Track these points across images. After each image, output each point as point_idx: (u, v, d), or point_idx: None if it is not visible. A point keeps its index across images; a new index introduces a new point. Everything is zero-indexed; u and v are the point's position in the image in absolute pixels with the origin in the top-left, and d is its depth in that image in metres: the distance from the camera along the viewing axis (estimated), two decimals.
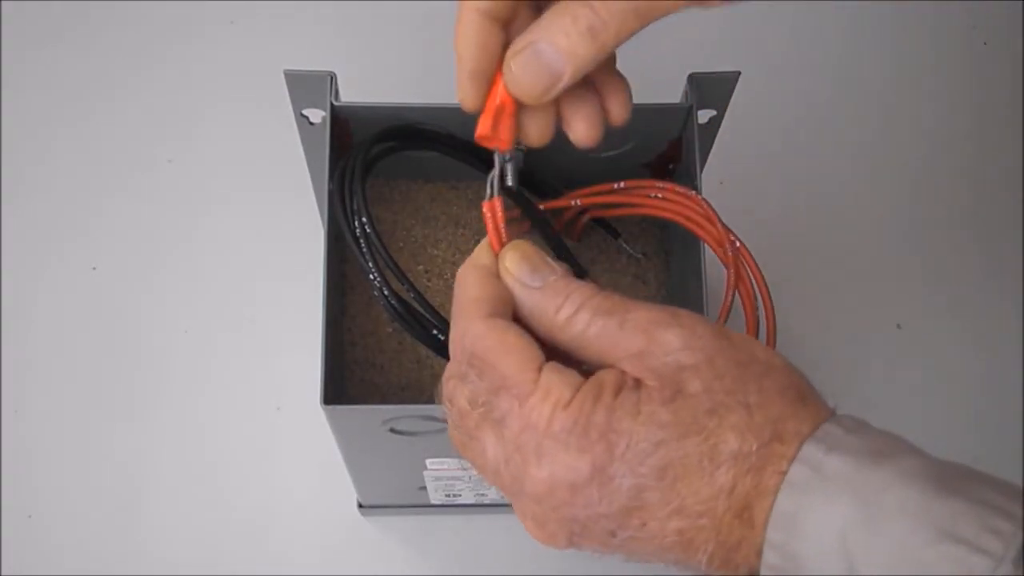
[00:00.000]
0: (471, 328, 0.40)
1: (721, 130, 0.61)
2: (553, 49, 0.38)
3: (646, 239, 0.64)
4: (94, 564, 0.69)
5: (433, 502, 0.68)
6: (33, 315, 0.75)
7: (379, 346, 0.60)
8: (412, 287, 0.53)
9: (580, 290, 0.40)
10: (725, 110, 0.59)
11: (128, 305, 0.75)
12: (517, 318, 0.41)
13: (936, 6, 0.86)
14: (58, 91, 0.81)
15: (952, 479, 0.34)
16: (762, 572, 0.35)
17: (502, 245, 0.43)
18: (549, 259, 0.42)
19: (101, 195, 0.78)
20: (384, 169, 0.59)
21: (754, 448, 0.35)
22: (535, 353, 0.39)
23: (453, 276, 0.59)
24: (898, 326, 0.77)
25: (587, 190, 0.60)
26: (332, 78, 0.56)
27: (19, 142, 0.79)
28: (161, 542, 0.70)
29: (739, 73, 0.57)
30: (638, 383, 0.37)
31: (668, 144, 0.61)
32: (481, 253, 0.43)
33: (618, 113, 0.42)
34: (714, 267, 0.56)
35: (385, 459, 0.61)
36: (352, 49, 0.82)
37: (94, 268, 0.76)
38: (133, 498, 0.71)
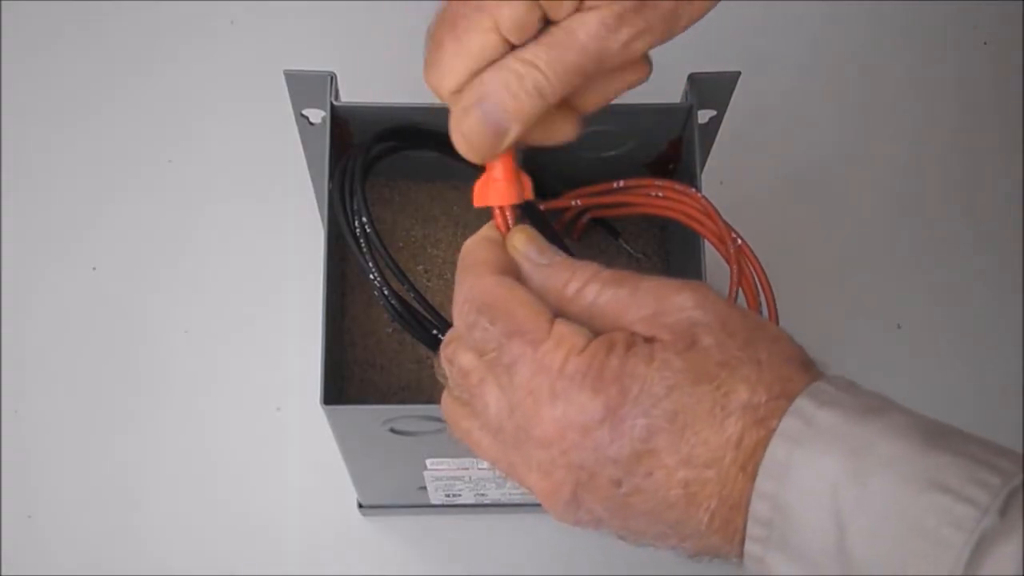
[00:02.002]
0: (481, 282, 0.41)
1: (721, 130, 0.61)
2: (500, 109, 0.40)
3: (646, 239, 0.64)
4: (94, 564, 0.69)
5: (433, 502, 0.68)
6: (33, 315, 0.75)
7: (379, 346, 0.60)
8: (412, 287, 0.54)
9: (587, 266, 0.41)
10: (725, 110, 0.59)
11: (128, 305, 0.75)
12: None
13: (936, 6, 0.86)
14: (58, 91, 0.81)
15: (940, 434, 0.35)
16: (749, 524, 0.36)
17: (508, 228, 0.44)
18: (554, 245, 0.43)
19: (101, 195, 0.78)
20: (384, 169, 0.59)
21: (763, 400, 0.36)
22: (545, 307, 0.39)
23: (453, 276, 0.60)
24: (898, 326, 0.77)
25: (587, 190, 0.60)
26: (332, 78, 0.56)
27: (19, 142, 0.79)
28: (161, 542, 0.70)
29: (739, 73, 0.57)
30: (651, 340, 0.38)
31: (668, 144, 0.61)
32: (488, 229, 0.44)
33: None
34: (714, 267, 0.56)
35: (385, 459, 0.61)
36: (352, 49, 0.82)
37: (94, 268, 0.76)
38: (133, 498, 0.71)
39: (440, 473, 0.62)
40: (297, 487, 0.71)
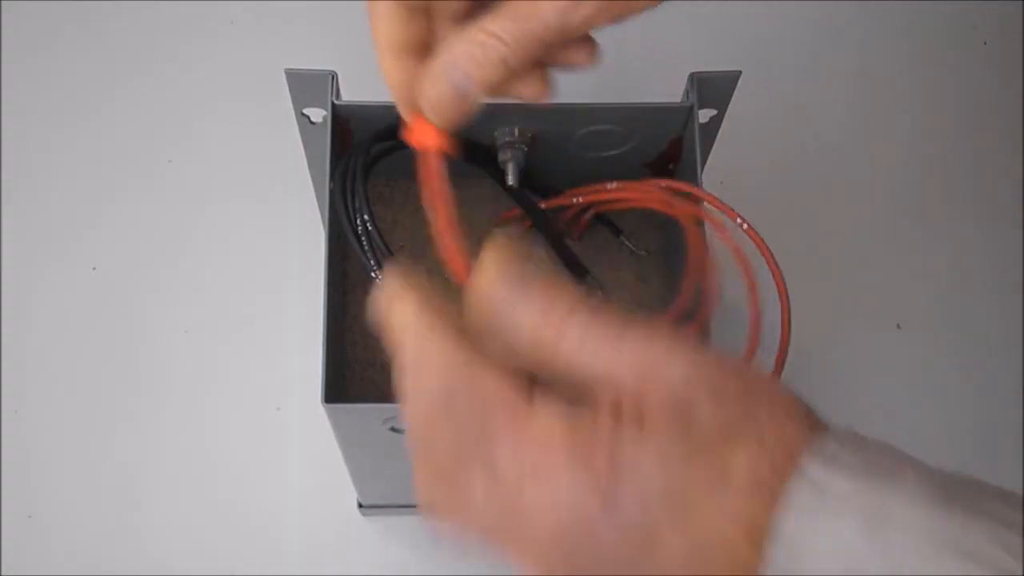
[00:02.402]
0: (432, 362, 0.37)
1: (721, 130, 0.61)
2: (464, 75, 0.41)
3: (649, 237, 0.64)
4: (94, 564, 0.69)
5: None
6: (33, 315, 0.75)
7: (380, 345, 0.59)
8: None
9: (561, 300, 0.37)
10: (725, 110, 0.59)
11: (128, 305, 0.75)
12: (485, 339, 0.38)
13: (936, 6, 0.86)
14: (57, 91, 0.81)
15: (957, 493, 0.33)
16: None
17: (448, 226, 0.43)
18: (522, 260, 0.39)
19: (101, 195, 0.78)
20: (384, 169, 0.59)
21: (767, 470, 0.34)
22: (518, 379, 0.36)
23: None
24: (898, 326, 0.77)
25: (589, 188, 0.60)
26: (333, 77, 0.56)
27: (19, 142, 0.79)
28: (161, 542, 0.70)
29: (739, 73, 0.57)
30: (638, 406, 0.36)
31: (669, 143, 0.61)
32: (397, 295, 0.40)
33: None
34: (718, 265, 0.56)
35: (385, 458, 0.60)
36: (352, 49, 0.81)
37: (94, 268, 0.76)
38: (133, 498, 0.71)
39: None
40: (297, 487, 0.71)
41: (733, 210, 0.55)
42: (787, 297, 0.54)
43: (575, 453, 0.35)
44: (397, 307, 0.39)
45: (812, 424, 0.36)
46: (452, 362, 0.37)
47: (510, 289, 0.38)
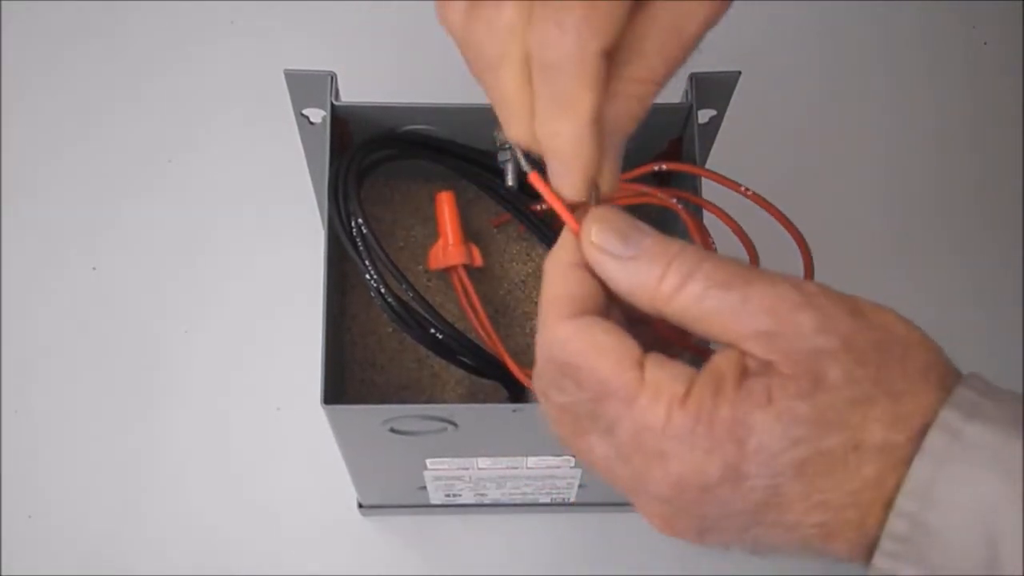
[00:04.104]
0: (556, 333, 0.36)
1: (721, 130, 0.61)
2: (622, 135, 0.37)
3: None
4: (94, 564, 0.69)
5: (433, 502, 0.68)
6: (33, 315, 0.75)
7: (379, 346, 0.60)
8: (411, 287, 0.54)
9: (684, 254, 0.35)
10: (725, 110, 0.59)
11: (128, 305, 0.75)
12: (615, 300, 0.37)
13: (936, 6, 0.86)
14: (57, 91, 0.81)
15: None
16: (883, 541, 0.33)
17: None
18: (639, 222, 0.37)
19: (101, 195, 0.78)
20: (384, 169, 0.59)
21: (902, 439, 0.33)
22: (632, 349, 0.35)
23: (452, 276, 0.60)
24: None
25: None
26: (332, 78, 0.56)
27: (19, 142, 0.79)
28: (161, 542, 0.70)
29: (739, 73, 0.57)
30: (767, 367, 0.34)
31: (668, 144, 0.61)
32: (559, 248, 0.37)
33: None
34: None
35: (385, 459, 0.61)
36: (352, 49, 0.82)
37: (94, 268, 0.76)
38: (133, 498, 0.71)
39: (440, 473, 0.62)
40: (297, 487, 0.71)
41: (736, 182, 0.54)
42: (808, 251, 0.53)
43: (695, 431, 0.33)
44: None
45: (949, 380, 0.34)
46: (559, 336, 0.36)
47: (625, 239, 0.36)
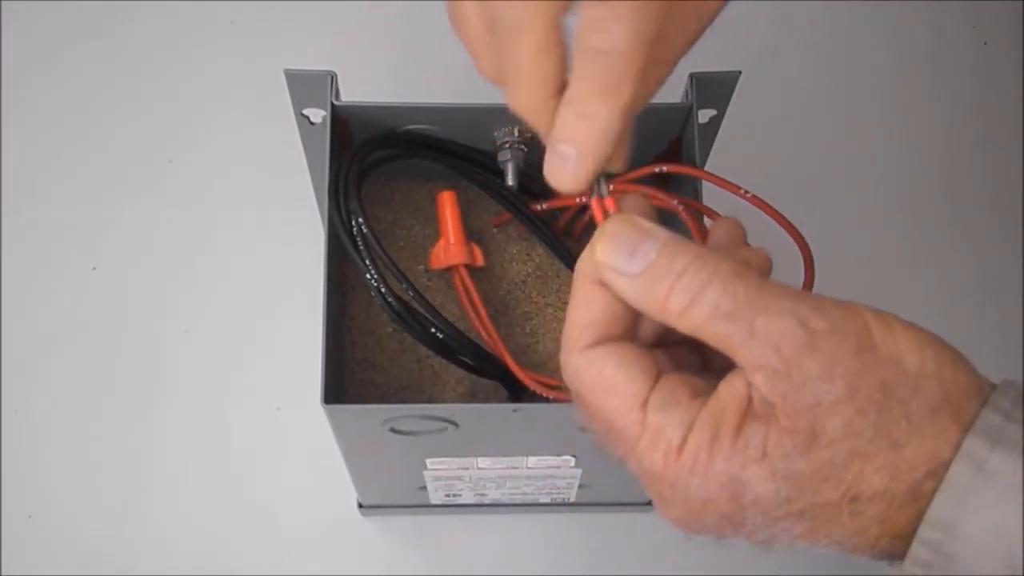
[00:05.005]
0: (569, 361, 0.36)
1: (721, 130, 0.61)
2: (574, 151, 0.36)
3: None
4: (94, 564, 0.69)
5: (433, 502, 0.68)
6: (33, 315, 0.75)
7: (379, 346, 0.60)
8: (411, 286, 0.54)
9: (690, 273, 0.34)
10: (725, 110, 0.59)
11: (128, 305, 0.76)
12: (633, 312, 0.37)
13: (936, 6, 0.86)
14: (57, 91, 0.81)
15: None
16: (907, 563, 0.33)
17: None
18: (649, 226, 0.36)
19: (101, 195, 0.78)
20: (384, 169, 0.59)
21: (903, 489, 0.33)
22: (638, 386, 0.35)
23: (452, 276, 0.60)
24: None
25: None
26: (333, 78, 0.56)
27: (19, 142, 0.79)
28: (161, 542, 0.70)
29: (739, 73, 0.57)
30: (769, 409, 0.33)
31: (668, 144, 0.61)
32: (585, 256, 0.37)
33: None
34: None
35: (385, 459, 0.61)
36: (352, 49, 0.82)
37: (94, 268, 0.76)
38: (133, 498, 0.71)
39: (440, 473, 0.62)
40: (297, 487, 0.71)
41: (736, 184, 0.54)
42: (809, 253, 0.53)
43: (690, 484, 0.34)
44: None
45: (967, 410, 0.33)
46: (572, 366, 0.36)
47: (630, 255, 0.36)
